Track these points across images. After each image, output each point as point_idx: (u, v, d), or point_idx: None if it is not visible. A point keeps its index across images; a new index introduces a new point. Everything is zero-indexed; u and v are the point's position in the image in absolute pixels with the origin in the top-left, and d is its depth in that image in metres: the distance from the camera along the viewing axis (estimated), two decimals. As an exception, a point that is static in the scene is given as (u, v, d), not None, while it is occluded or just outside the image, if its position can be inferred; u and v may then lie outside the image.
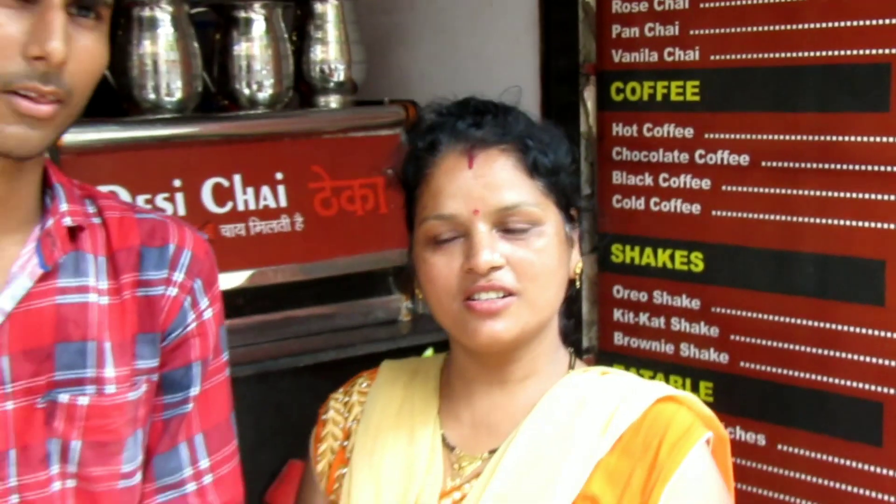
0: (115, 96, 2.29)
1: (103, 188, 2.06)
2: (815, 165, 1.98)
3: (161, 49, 2.26)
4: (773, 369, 2.07)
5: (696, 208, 2.17)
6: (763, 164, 2.06)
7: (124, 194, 2.12)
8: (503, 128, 1.41)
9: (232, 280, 2.23)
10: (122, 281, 1.35)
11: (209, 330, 1.43)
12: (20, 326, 1.27)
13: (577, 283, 1.50)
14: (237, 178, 2.28)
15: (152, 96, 2.27)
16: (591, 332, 2.35)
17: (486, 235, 1.36)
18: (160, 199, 2.19)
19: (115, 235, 1.37)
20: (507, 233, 1.37)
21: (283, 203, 2.33)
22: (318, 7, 2.50)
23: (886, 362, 1.91)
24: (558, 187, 1.42)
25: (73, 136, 2.09)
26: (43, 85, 1.17)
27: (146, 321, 1.36)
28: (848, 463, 1.97)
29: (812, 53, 1.97)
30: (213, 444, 1.44)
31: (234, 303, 2.24)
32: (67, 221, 1.32)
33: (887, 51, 1.88)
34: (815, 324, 2.00)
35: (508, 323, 1.37)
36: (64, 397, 1.30)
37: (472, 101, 1.47)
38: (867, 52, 1.90)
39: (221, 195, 2.27)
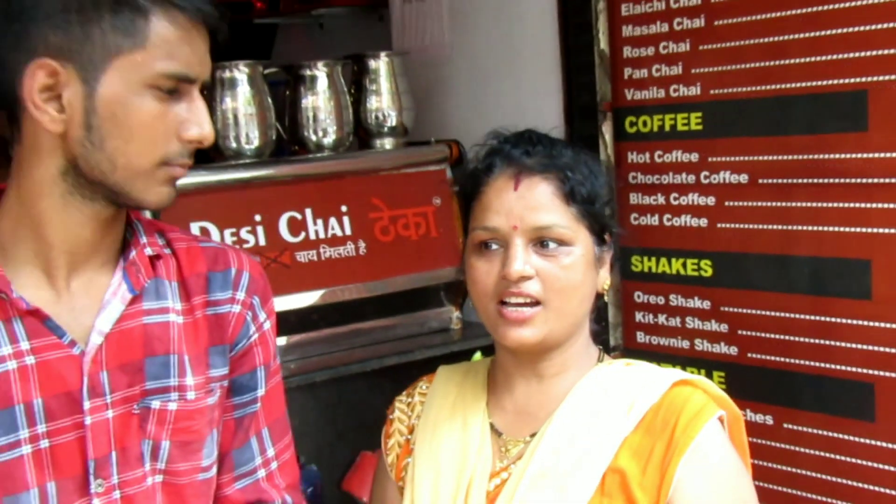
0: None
1: (195, 224, 2.12)
2: (806, 180, 1.97)
3: (240, 104, 2.29)
4: (777, 358, 2.06)
5: (703, 222, 2.17)
6: (760, 181, 2.05)
7: (213, 229, 2.16)
8: (549, 158, 1.43)
9: (307, 299, 2.27)
10: (193, 302, 1.38)
11: (269, 339, 1.46)
12: (116, 345, 1.30)
13: (605, 297, 1.52)
14: (308, 212, 2.30)
15: (234, 145, 2.30)
16: (616, 332, 2.34)
17: (521, 248, 1.38)
18: (244, 232, 2.21)
19: (185, 263, 1.39)
20: (540, 248, 1.39)
21: (348, 231, 2.34)
22: (372, 64, 2.52)
23: (876, 348, 1.90)
24: (592, 214, 1.43)
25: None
26: (190, 159, 1.27)
27: (216, 335, 1.39)
28: (846, 437, 1.96)
29: (800, 84, 1.97)
30: (276, 436, 1.47)
31: (310, 318, 2.27)
32: (149, 251, 1.35)
33: (864, 79, 1.87)
34: (812, 317, 1.99)
35: (534, 330, 1.39)
36: (156, 404, 1.33)
37: (528, 133, 1.49)
38: (847, 81, 1.90)
39: (296, 226, 2.28)
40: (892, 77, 1.83)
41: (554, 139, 1.49)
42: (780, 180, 2.02)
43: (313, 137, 2.42)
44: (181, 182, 2.08)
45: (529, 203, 1.39)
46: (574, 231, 1.40)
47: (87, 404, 1.26)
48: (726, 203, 2.12)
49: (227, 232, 2.18)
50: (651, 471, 1.36)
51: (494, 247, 1.41)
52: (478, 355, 1.95)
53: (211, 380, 1.37)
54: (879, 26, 1.84)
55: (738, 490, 1.39)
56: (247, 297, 1.41)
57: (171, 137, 1.23)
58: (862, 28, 1.86)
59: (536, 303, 1.38)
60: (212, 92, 2.28)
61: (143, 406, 1.31)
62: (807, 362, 2.01)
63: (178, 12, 1.21)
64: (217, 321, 1.38)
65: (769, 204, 2.04)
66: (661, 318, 2.27)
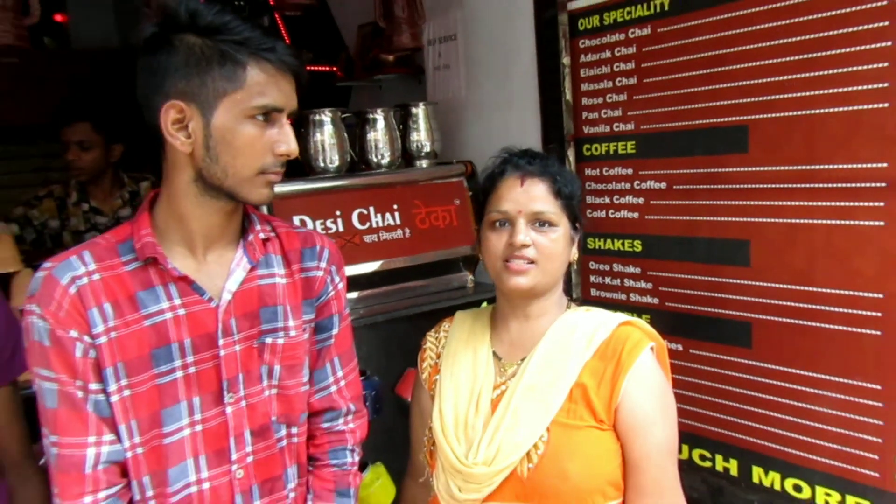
0: (300, 165, 2.30)
1: (297, 217, 2.11)
2: (705, 186, 1.91)
3: (326, 137, 2.26)
4: (685, 306, 2.00)
5: (635, 215, 2.10)
6: (675, 187, 1.99)
7: (308, 220, 2.13)
8: (545, 167, 1.41)
9: (371, 267, 2.24)
10: (292, 269, 1.35)
11: (342, 295, 1.42)
12: (240, 300, 1.29)
13: (574, 266, 1.50)
14: (372, 208, 2.26)
15: (322, 164, 2.27)
16: (577, 289, 2.30)
17: (523, 226, 1.36)
18: (328, 222, 2.18)
19: (285, 242, 1.37)
20: (536, 227, 1.37)
21: (398, 222, 2.30)
22: (414, 110, 2.48)
23: (752, 299, 1.84)
24: (570, 207, 1.41)
25: (280, 188, 2.08)
26: (282, 168, 1.22)
27: (307, 292, 1.36)
28: (731, 359, 1.90)
29: (701, 121, 1.90)
30: (344, 362, 1.43)
31: (373, 279, 2.25)
32: (262, 235, 1.33)
33: (745, 118, 1.81)
34: (709, 279, 1.93)
35: (527, 279, 1.36)
36: (269, 340, 1.31)
37: (528, 150, 1.46)
38: (734, 118, 1.83)
39: (363, 218, 2.25)
40: (766, 116, 1.77)
41: (546, 155, 1.46)
42: (688, 186, 1.95)
43: (375, 159, 2.39)
44: (291, 188, 2.11)
45: (530, 196, 1.36)
46: (559, 217, 1.37)
47: (221, 341, 1.25)
48: (651, 202, 2.05)
49: (318, 222, 2.15)
50: (604, 385, 1.32)
51: (504, 224, 1.38)
52: (484, 304, 1.91)
53: (304, 322, 1.34)
54: (756, 81, 1.77)
55: (664, 397, 1.36)
56: (327, 266, 1.38)
57: (266, 153, 1.19)
58: (744, 83, 1.80)
59: (531, 262, 1.34)
60: (307, 129, 2.26)
61: (260, 342, 1.28)
62: (705, 308, 1.94)
63: (267, 63, 1.17)
64: (308, 282, 1.35)
65: (680, 202, 1.98)
66: (607, 279, 2.21)
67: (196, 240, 1.25)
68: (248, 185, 1.20)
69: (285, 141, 1.20)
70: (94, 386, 1.18)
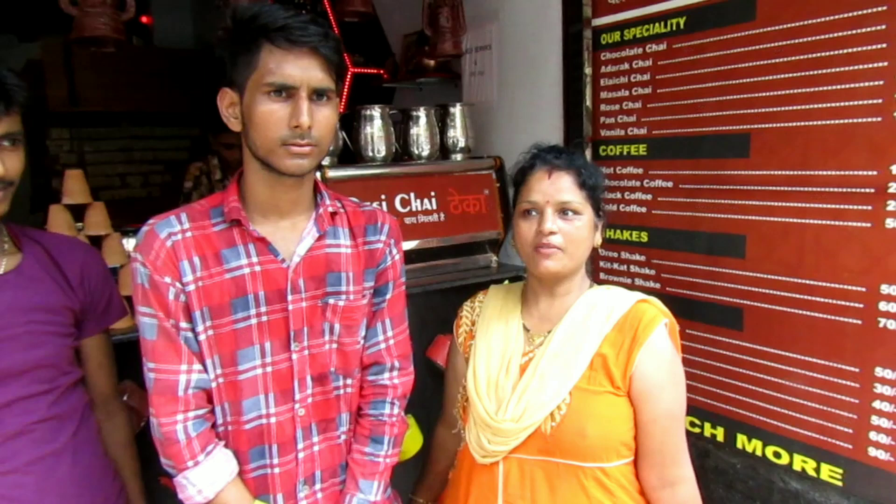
0: (352, 153, 2.29)
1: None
2: (708, 186, 1.87)
3: (375, 130, 2.24)
4: (684, 291, 1.96)
5: (643, 209, 2.07)
6: (680, 186, 1.95)
7: (356, 201, 2.12)
8: (570, 161, 1.37)
9: (409, 245, 2.23)
10: (357, 241, 1.34)
11: (398, 265, 1.41)
12: (308, 264, 1.28)
13: (599, 250, 1.47)
14: (412, 194, 2.25)
15: (371, 154, 2.25)
16: (589, 274, 2.26)
17: (551, 215, 1.32)
18: (374, 205, 2.14)
19: (351, 218, 1.36)
20: (562, 215, 1.33)
21: (435, 207, 2.29)
22: (451, 110, 2.46)
23: (745, 287, 1.80)
24: (594, 197, 1.37)
25: (334, 173, 2.09)
26: (301, 140, 1.16)
27: (369, 261, 1.35)
28: (723, 339, 1.87)
29: (708, 129, 1.86)
30: (394, 324, 1.42)
31: (410, 256, 2.25)
32: (330, 209, 1.33)
33: (748, 126, 1.76)
34: (707, 268, 1.89)
35: (556, 263, 1.33)
36: (332, 301, 1.30)
37: (556, 146, 1.42)
38: (737, 127, 1.78)
39: (405, 203, 2.24)
40: (767, 125, 1.72)
41: (572, 150, 1.42)
42: (692, 186, 1.91)
43: (416, 151, 2.37)
44: (343, 173, 2.11)
45: (557, 187, 1.33)
46: (583, 206, 1.33)
47: (289, 297, 1.25)
48: (658, 199, 2.02)
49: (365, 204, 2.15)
50: (621, 355, 1.29)
51: (533, 214, 1.35)
52: (506, 282, 1.90)
53: (364, 289, 1.34)
54: (760, 94, 1.73)
55: (674, 368, 1.34)
56: (387, 239, 1.37)
57: (282, 126, 1.15)
58: (748, 95, 1.75)
59: (558, 248, 1.32)
60: (359, 122, 2.25)
61: (324, 302, 1.28)
62: (702, 294, 1.91)
63: (277, 43, 1.14)
64: (370, 253, 1.35)
65: (685, 200, 1.94)
66: (615, 265, 2.18)
67: (268, 208, 1.25)
68: (274, 156, 1.17)
69: (297, 114, 1.14)
70: (184, 325, 1.22)
